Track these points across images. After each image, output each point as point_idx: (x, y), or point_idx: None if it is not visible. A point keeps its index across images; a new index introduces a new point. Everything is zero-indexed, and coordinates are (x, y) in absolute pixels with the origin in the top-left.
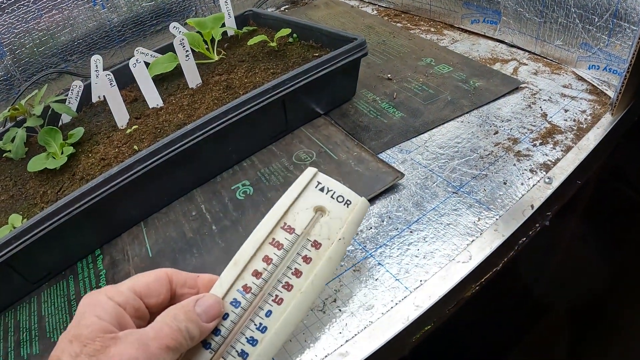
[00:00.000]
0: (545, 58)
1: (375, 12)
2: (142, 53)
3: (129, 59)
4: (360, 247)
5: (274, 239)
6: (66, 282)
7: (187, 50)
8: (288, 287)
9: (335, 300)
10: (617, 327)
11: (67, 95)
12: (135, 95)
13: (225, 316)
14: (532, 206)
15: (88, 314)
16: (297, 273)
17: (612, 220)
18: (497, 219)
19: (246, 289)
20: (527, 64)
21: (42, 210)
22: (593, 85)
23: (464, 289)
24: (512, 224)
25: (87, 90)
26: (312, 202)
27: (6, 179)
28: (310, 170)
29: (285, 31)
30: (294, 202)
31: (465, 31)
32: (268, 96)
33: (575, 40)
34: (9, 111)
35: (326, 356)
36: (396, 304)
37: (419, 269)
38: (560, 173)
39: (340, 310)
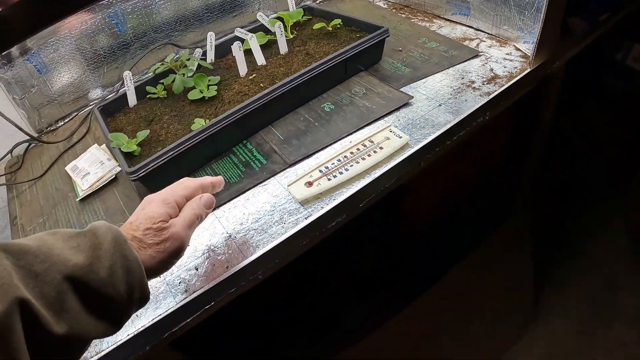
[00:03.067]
0: (497, 37)
1: (386, 5)
2: (240, 31)
3: (216, 34)
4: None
5: (363, 143)
6: (230, 156)
7: (281, 31)
8: (361, 160)
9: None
10: (581, 253)
11: (191, 56)
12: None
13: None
14: (478, 108)
15: (154, 205)
16: (368, 157)
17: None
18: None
19: (345, 157)
20: (485, 41)
21: (209, 118)
22: (525, 54)
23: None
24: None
25: (203, 55)
26: (384, 135)
27: (162, 107)
28: (387, 125)
29: (337, 21)
30: (376, 133)
31: (448, 20)
32: (337, 59)
33: (515, 26)
34: (161, 64)
35: None
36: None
37: (429, 130)
38: (494, 95)
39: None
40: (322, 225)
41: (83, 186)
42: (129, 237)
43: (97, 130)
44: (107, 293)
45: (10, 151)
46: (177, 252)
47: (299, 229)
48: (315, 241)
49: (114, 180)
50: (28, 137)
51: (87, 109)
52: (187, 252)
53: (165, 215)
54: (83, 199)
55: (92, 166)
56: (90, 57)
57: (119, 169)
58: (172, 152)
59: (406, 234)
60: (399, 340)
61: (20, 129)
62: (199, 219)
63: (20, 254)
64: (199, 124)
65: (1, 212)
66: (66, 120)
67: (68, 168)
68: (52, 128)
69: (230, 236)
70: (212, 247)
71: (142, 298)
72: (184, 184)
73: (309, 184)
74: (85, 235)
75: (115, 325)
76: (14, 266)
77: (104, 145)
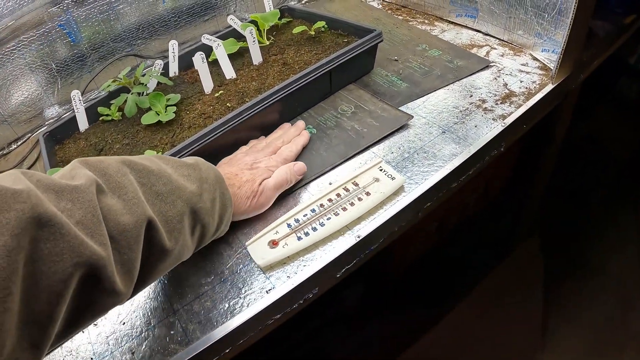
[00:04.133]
0: (510, 44)
1: (380, 6)
2: (207, 38)
3: (183, 43)
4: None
5: (345, 187)
6: None
7: (253, 37)
8: (342, 212)
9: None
10: (591, 267)
11: (149, 69)
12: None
13: (304, 214)
14: (493, 139)
15: (262, 170)
16: (351, 206)
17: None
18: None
19: (321, 205)
20: (496, 49)
21: (163, 149)
22: (544, 64)
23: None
24: (477, 149)
25: (165, 67)
26: (372, 174)
27: (114, 133)
28: (377, 160)
29: (320, 23)
30: (363, 172)
31: (451, 22)
32: (321, 70)
33: (532, 31)
34: (113, 82)
35: None
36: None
37: (429, 167)
38: (512, 119)
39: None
40: (286, 304)
41: None
42: (229, 182)
43: None
44: (206, 221)
45: None
46: (261, 207)
47: (258, 311)
48: (278, 323)
49: None
50: None
51: (42, 129)
52: (125, 331)
53: (264, 177)
54: None
55: None
56: (41, 73)
57: None
58: None
59: (398, 269)
60: None
61: None
62: (288, 183)
63: (143, 172)
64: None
65: None
66: (19, 143)
67: None
68: (4, 152)
69: (174, 312)
70: (151, 328)
71: (224, 230)
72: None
73: (274, 243)
74: (193, 168)
75: (196, 249)
76: (138, 183)
77: None
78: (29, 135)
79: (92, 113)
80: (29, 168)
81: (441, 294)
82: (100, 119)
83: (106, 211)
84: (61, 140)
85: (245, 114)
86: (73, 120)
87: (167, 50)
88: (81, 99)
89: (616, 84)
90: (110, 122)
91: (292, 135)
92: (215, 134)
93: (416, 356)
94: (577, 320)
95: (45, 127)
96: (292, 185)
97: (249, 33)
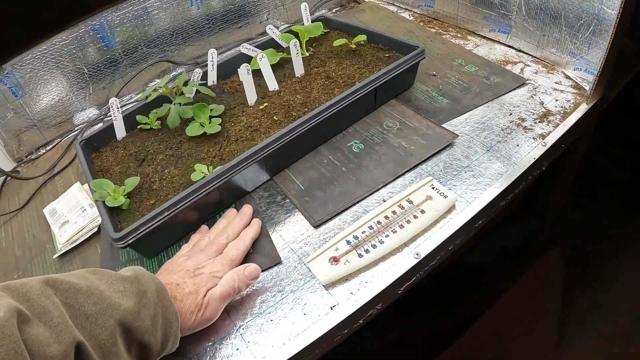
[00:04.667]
0: (543, 61)
1: (412, 17)
2: (246, 48)
3: (219, 48)
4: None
5: (400, 204)
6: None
7: (297, 50)
8: (399, 229)
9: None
10: (605, 279)
11: (189, 78)
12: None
13: (362, 231)
14: (534, 158)
15: (205, 277)
16: (408, 223)
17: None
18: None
19: (379, 222)
20: (530, 66)
21: (212, 163)
22: (576, 83)
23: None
24: (522, 169)
25: (203, 76)
26: (425, 192)
27: (155, 143)
28: (428, 178)
29: (361, 37)
30: (415, 190)
31: (484, 37)
32: (368, 87)
33: (565, 49)
34: (154, 91)
35: None
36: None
37: (478, 186)
38: (552, 139)
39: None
40: (353, 321)
41: (61, 239)
42: (171, 294)
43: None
44: (147, 340)
45: None
46: (207, 321)
47: (329, 328)
48: (343, 338)
49: (96, 234)
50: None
51: (72, 134)
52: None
53: (209, 286)
54: (61, 256)
55: (72, 212)
56: (73, 77)
57: (100, 220)
58: (169, 212)
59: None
60: None
61: None
62: (236, 291)
63: (69, 291)
64: (200, 172)
65: None
66: (48, 148)
67: (46, 211)
68: (32, 157)
69: (237, 329)
70: (219, 336)
71: (172, 347)
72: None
73: (335, 260)
74: (130, 282)
75: None
76: (64, 304)
77: (86, 186)
78: (59, 140)
79: (127, 120)
80: (58, 173)
81: (465, 301)
82: (139, 127)
83: (31, 343)
84: (97, 148)
85: (296, 131)
86: (109, 128)
87: (198, 57)
88: (119, 106)
89: (633, 98)
90: (149, 130)
91: (237, 228)
92: (266, 152)
93: None
94: (592, 333)
95: (76, 133)
96: (241, 292)
97: (294, 46)
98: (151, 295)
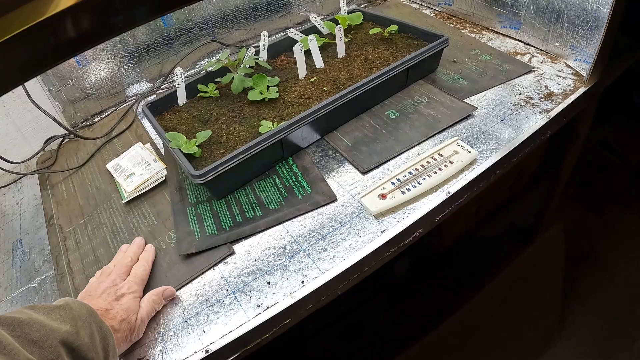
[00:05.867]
0: (548, 53)
1: (433, 14)
2: (293, 32)
3: (261, 33)
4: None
5: (433, 156)
6: (272, 177)
7: (341, 34)
8: (433, 174)
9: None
10: (608, 268)
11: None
12: (294, 60)
13: (404, 175)
14: (541, 127)
15: (129, 300)
16: (440, 170)
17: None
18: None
19: (416, 169)
20: (536, 57)
21: (274, 121)
22: (576, 71)
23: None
24: (529, 134)
25: (256, 55)
26: (452, 148)
27: (217, 107)
28: (454, 138)
29: (394, 27)
30: (445, 147)
31: (497, 32)
32: (401, 67)
33: (567, 43)
34: (216, 63)
35: None
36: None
37: (494, 146)
38: (554, 113)
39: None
40: (400, 240)
41: (128, 188)
42: (106, 323)
43: (139, 128)
44: (91, 357)
45: (45, 145)
46: (137, 338)
47: (380, 244)
48: (393, 255)
49: (162, 183)
50: (64, 132)
51: (126, 104)
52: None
53: (136, 310)
54: (129, 202)
55: (137, 166)
56: (133, 51)
57: (166, 171)
58: (241, 156)
59: (440, 248)
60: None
61: (58, 122)
62: (155, 310)
63: (14, 325)
64: (266, 126)
65: (35, 210)
66: (103, 116)
67: (109, 166)
68: (87, 123)
69: (301, 247)
70: (287, 256)
71: None
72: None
73: (383, 196)
74: (64, 309)
75: None
76: (12, 336)
77: (148, 145)
78: (113, 109)
79: (187, 90)
80: (117, 136)
81: (472, 275)
82: (199, 95)
83: None
84: (160, 112)
85: (345, 98)
86: (171, 95)
87: (244, 40)
88: (183, 75)
89: (633, 93)
90: (209, 98)
91: (136, 252)
92: (321, 112)
93: (440, 336)
94: (592, 311)
95: (133, 99)
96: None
97: (339, 30)
98: (85, 317)
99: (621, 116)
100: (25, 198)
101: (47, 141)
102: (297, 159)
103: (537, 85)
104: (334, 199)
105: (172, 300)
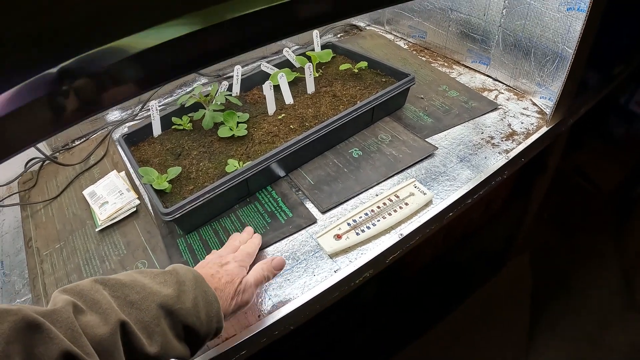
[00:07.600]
0: (515, 89)
1: (406, 46)
2: (266, 66)
3: (235, 64)
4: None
5: (389, 198)
6: (254, 204)
7: (310, 72)
8: (388, 216)
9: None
10: (578, 292)
11: (218, 90)
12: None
13: (360, 217)
14: (499, 169)
15: (234, 266)
16: (395, 212)
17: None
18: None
19: (372, 211)
20: (503, 93)
21: (240, 159)
22: (541, 109)
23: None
24: (486, 175)
25: (229, 88)
26: (409, 190)
27: (189, 141)
28: (411, 180)
29: (363, 63)
30: (401, 188)
31: (467, 67)
32: (367, 106)
33: (533, 80)
34: (190, 98)
35: None
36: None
37: (450, 187)
38: (513, 154)
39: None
40: (351, 280)
41: (101, 216)
42: (210, 285)
43: (116, 155)
44: (191, 321)
45: (26, 167)
46: (245, 304)
47: (332, 283)
48: (343, 294)
49: (133, 214)
50: (43, 157)
51: (103, 130)
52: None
53: (242, 275)
54: (102, 230)
55: (111, 195)
56: None
57: (138, 202)
58: (208, 195)
59: (407, 275)
60: None
61: (37, 148)
62: (266, 279)
63: (116, 286)
64: (232, 165)
65: (15, 232)
66: (82, 140)
67: (85, 193)
68: (67, 147)
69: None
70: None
71: (217, 328)
72: (249, 251)
73: (338, 237)
74: (170, 274)
75: (193, 350)
76: (111, 296)
77: (123, 173)
78: (92, 134)
79: (162, 122)
80: (96, 164)
81: (441, 299)
82: (173, 127)
83: (84, 327)
84: (136, 143)
85: (310, 137)
86: (147, 126)
87: (220, 69)
88: (158, 108)
89: (606, 122)
90: (182, 131)
91: (245, 237)
92: (286, 152)
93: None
94: (560, 335)
95: (109, 128)
96: (269, 280)
97: (308, 68)
98: (189, 282)
99: (595, 144)
100: (7, 220)
101: (28, 162)
102: (276, 186)
103: (500, 124)
104: (314, 221)
105: (280, 270)
